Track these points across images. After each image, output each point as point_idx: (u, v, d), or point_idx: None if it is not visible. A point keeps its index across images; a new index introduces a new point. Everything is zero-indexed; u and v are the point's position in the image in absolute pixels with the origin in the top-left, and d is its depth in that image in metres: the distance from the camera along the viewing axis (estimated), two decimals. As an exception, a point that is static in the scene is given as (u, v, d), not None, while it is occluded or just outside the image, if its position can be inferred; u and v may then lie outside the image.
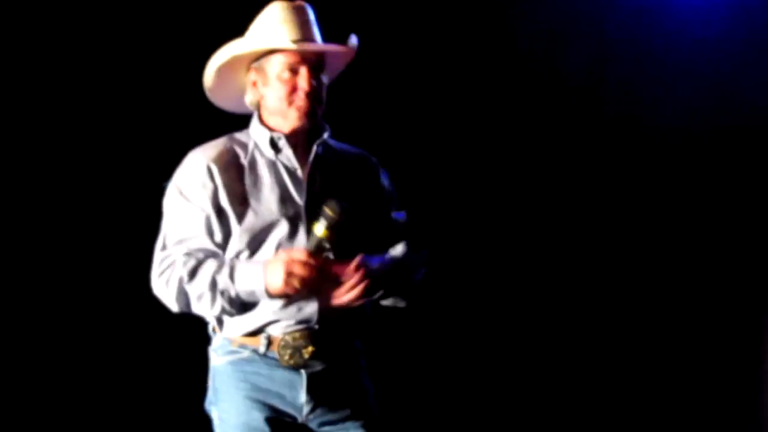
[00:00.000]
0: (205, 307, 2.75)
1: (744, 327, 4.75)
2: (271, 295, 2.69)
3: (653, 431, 4.77)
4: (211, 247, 2.79)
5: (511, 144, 4.83)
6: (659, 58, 4.75)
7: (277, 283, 2.66)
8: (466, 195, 4.81)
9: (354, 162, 2.97)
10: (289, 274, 2.66)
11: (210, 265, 2.74)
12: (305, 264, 2.65)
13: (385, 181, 3.01)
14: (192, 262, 2.75)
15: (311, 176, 2.87)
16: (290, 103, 2.85)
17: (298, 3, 2.91)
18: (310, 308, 2.80)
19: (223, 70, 2.91)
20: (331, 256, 2.73)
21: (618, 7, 4.74)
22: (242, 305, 2.75)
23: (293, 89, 2.84)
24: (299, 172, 2.87)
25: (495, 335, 4.80)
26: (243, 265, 2.73)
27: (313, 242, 2.69)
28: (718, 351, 4.76)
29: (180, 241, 2.81)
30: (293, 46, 2.80)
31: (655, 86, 4.77)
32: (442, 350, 4.79)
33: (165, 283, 2.77)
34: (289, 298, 2.72)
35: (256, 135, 2.92)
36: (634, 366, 4.80)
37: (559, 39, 4.76)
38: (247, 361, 2.83)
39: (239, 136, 2.95)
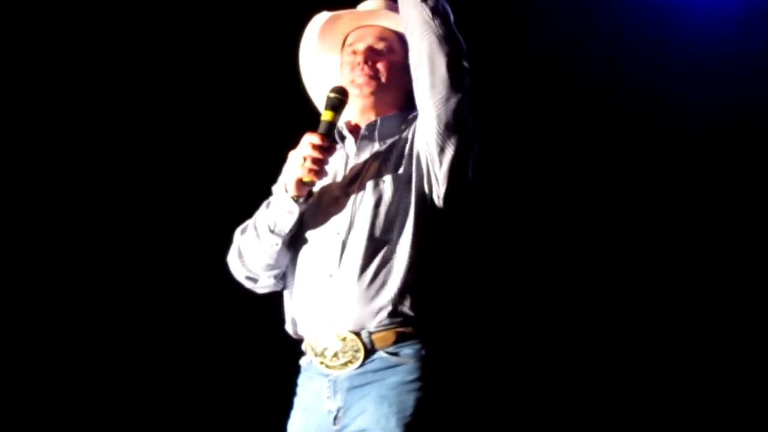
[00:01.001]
0: (256, 252, 2.78)
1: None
2: (293, 191, 2.71)
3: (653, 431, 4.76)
4: None
5: (523, 143, 4.81)
6: (673, 56, 4.71)
7: (293, 170, 2.70)
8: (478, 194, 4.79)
9: (405, 133, 2.86)
10: (301, 159, 2.69)
11: (258, 214, 2.82)
12: (313, 144, 2.69)
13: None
14: (247, 222, 2.85)
15: (360, 162, 2.83)
16: (351, 81, 2.85)
17: None
18: (317, 293, 2.73)
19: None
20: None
21: (632, 5, 4.73)
22: (289, 240, 2.76)
23: (352, 67, 2.86)
24: (351, 159, 2.86)
25: (494, 335, 4.80)
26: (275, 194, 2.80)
27: (322, 127, 2.74)
28: (727, 351, 4.77)
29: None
30: (326, 15, 2.86)
31: (669, 84, 4.73)
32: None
33: (230, 259, 2.87)
34: (310, 189, 2.73)
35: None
36: (634, 366, 4.80)
37: (573, 37, 4.71)
38: (303, 370, 2.82)
39: None
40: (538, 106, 4.81)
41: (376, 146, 2.83)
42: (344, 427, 2.67)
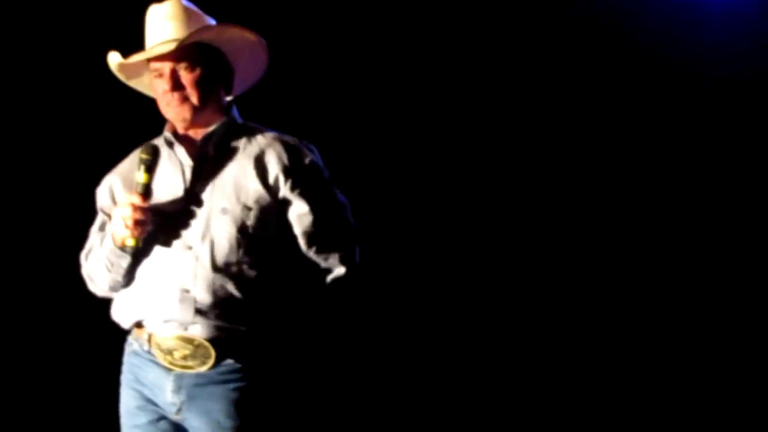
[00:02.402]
0: (101, 282, 2.95)
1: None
2: (119, 247, 2.85)
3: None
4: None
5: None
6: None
7: (116, 229, 2.82)
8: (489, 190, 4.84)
9: (259, 151, 2.95)
10: (120, 218, 2.80)
11: (95, 242, 2.97)
12: (128, 204, 2.79)
13: (289, 176, 2.92)
14: (87, 247, 3.00)
15: (197, 170, 2.92)
16: (166, 105, 2.92)
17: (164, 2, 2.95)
18: (174, 306, 2.84)
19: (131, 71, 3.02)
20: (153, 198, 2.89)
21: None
22: (127, 273, 2.90)
23: (163, 93, 2.91)
24: (187, 168, 2.93)
25: (493, 335, 4.80)
26: (108, 230, 2.92)
27: (139, 188, 2.84)
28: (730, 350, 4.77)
29: (90, 234, 3.03)
30: (121, 60, 2.91)
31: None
32: (440, 350, 4.79)
33: (82, 273, 3.02)
34: (138, 247, 2.84)
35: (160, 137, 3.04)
36: (635, 366, 4.79)
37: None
38: (135, 353, 2.95)
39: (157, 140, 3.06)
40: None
41: (213, 156, 2.93)
42: (185, 419, 2.87)
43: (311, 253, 2.91)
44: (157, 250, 2.88)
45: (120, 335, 3.05)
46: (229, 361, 2.84)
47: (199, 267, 2.83)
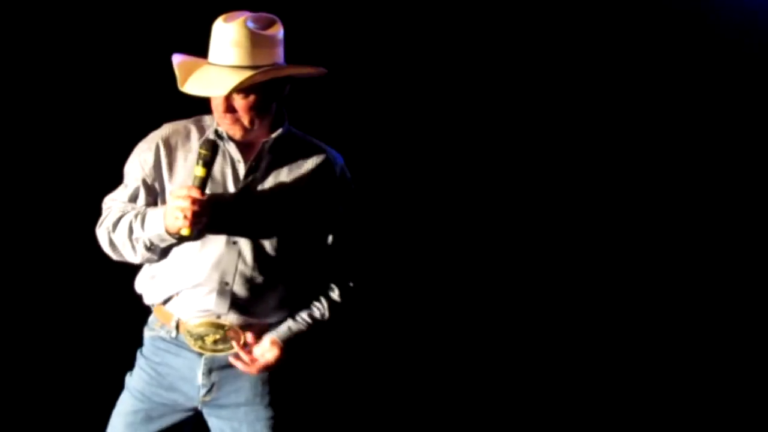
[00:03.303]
0: (129, 255, 3.01)
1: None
2: (172, 234, 2.90)
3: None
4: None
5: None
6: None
7: (169, 219, 2.87)
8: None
9: (308, 161, 3.07)
10: (178, 209, 2.84)
11: (129, 215, 2.99)
12: (187, 197, 2.83)
13: (335, 188, 3.10)
14: (116, 214, 3.01)
15: (252, 168, 3.01)
16: (221, 121, 2.99)
17: (228, 17, 2.95)
18: (211, 297, 2.99)
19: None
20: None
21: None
22: (162, 250, 3.00)
23: (215, 107, 2.97)
24: (241, 165, 3.01)
25: (493, 335, 4.82)
26: (151, 211, 2.96)
27: (197, 181, 2.90)
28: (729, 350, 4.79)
29: (113, 199, 3.07)
30: (186, 90, 2.90)
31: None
32: (438, 350, 4.82)
33: (99, 234, 3.05)
34: (191, 237, 2.92)
35: (213, 122, 3.07)
36: (635, 366, 4.82)
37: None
38: (161, 338, 3.08)
39: (207, 118, 3.09)
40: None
41: (270, 161, 3.02)
42: (215, 399, 3.04)
43: (329, 262, 3.11)
44: (202, 238, 2.99)
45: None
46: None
47: (241, 262, 2.97)
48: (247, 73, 2.83)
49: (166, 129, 3.05)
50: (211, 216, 2.91)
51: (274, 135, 2.99)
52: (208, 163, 2.90)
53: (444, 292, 4.79)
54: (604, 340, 4.80)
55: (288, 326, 3.03)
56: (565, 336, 4.83)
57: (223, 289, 2.97)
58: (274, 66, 2.90)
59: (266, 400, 3.06)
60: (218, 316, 2.98)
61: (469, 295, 4.82)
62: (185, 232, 2.88)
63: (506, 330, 4.82)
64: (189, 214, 2.83)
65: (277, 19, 2.97)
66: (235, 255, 2.97)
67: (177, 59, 2.92)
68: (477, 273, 4.81)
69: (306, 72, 2.96)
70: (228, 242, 2.96)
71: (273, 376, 3.05)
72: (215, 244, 2.98)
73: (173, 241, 2.93)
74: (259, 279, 2.98)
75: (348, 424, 4.62)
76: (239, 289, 2.98)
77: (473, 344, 4.82)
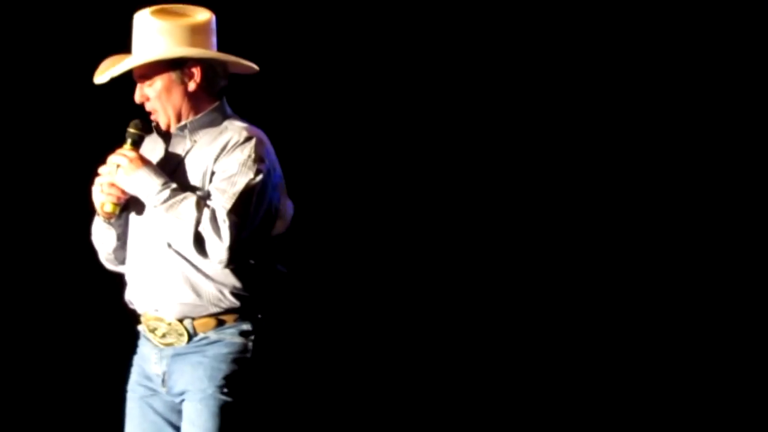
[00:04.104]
0: (97, 242, 3.19)
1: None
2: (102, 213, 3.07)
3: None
4: None
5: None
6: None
7: (96, 195, 3.03)
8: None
9: (208, 141, 3.07)
10: (99, 184, 3.01)
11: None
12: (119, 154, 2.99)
13: (222, 159, 3.03)
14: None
15: (169, 159, 3.08)
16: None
17: (145, 11, 3.06)
18: (148, 292, 3.05)
19: None
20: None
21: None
22: (110, 246, 3.15)
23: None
24: (159, 151, 3.10)
25: (492, 335, 4.84)
26: None
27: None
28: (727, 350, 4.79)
29: None
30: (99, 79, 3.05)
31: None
32: (437, 350, 4.84)
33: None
34: (114, 214, 3.04)
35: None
36: (634, 366, 4.83)
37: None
38: (141, 332, 3.15)
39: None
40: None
41: (188, 143, 3.06)
42: (170, 388, 3.05)
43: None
44: (133, 234, 3.08)
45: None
46: (202, 334, 3.01)
47: (171, 254, 3.00)
48: (127, 63, 3.00)
49: None
50: (135, 206, 3.01)
51: (183, 122, 3.05)
52: (137, 143, 3.03)
53: (442, 292, 4.84)
54: (605, 340, 4.83)
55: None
56: (565, 336, 4.85)
57: (154, 279, 3.03)
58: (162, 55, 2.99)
59: (206, 383, 3.00)
60: (156, 309, 3.03)
61: (468, 295, 4.85)
62: (108, 208, 3.01)
63: (506, 330, 4.84)
64: (106, 187, 2.97)
65: (186, 8, 3.08)
66: (164, 245, 3.00)
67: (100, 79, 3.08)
68: (476, 272, 4.85)
69: (203, 56, 3.02)
70: (154, 233, 3.01)
71: (220, 361, 3.01)
72: (143, 236, 3.04)
73: (109, 229, 3.07)
74: (187, 266, 2.99)
75: (339, 422, 4.64)
76: (169, 278, 3.01)
77: (470, 343, 4.85)
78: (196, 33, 3.04)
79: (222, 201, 2.92)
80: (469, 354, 4.85)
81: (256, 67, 3.13)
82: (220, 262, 2.92)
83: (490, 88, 4.81)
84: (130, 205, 3.07)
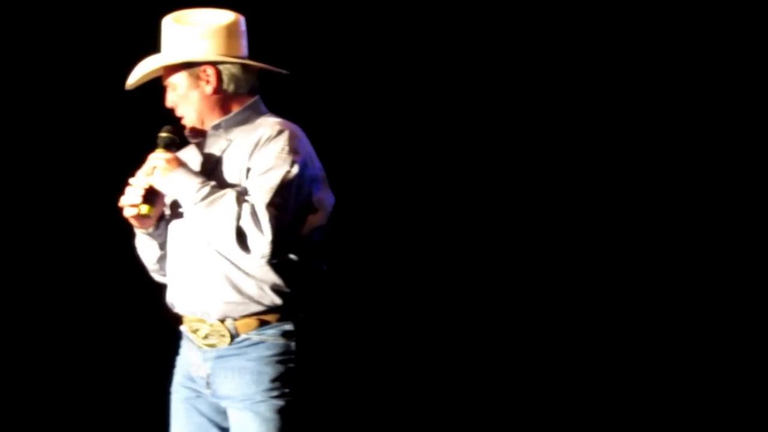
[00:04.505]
0: (140, 253, 3.24)
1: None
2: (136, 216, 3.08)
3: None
4: None
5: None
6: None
7: (130, 200, 3.03)
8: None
9: (243, 139, 3.06)
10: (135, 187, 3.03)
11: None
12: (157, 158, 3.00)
13: (256, 154, 3.02)
14: None
15: (207, 159, 3.09)
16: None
17: (170, 16, 3.08)
18: (189, 293, 3.05)
19: None
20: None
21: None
22: (152, 257, 3.21)
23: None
24: (193, 154, 3.13)
25: (493, 335, 4.83)
26: None
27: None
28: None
29: None
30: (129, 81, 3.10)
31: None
32: (439, 350, 4.84)
33: None
34: (149, 215, 3.04)
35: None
36: (634, 366, 4.81)
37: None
38: (184, 333, 3.15)
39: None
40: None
41: (224, 142, 3.07)
42: (215, 392, 3.04)
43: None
44: (172, 237, 3.08)
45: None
46: (244, 335, 3.00)
47: (211, 253, 2.99)
48: (141, 69, 3.05)
49: None
50: (173, 208, 3.04)
51: (218, 121, 3.06)
52: (169, 146, 3.04)
53: (442, 292, 4.83)
54: (605, 340, 4.81)
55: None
56: (565, 336, 4.83)
57: (198, 280, 3.02)
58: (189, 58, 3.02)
59: (252, 389, 2.99)
60: (200, 310, 3.02)
61: (468, 295, 4.84)
62: (144, 210, 3.00)
63: (506, 330, 4.83)
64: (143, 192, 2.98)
65: (211, 13, 3.09)
66: (204, 245, 2.99)
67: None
68: (475, 272, 4.84)
69: (224, 61, 3.03)
70: (194, 233, 3.01)
71: (271, 369, 3.00)
72: (183, 238, 3.04)
73: (149, 240, 3.11)
74: (230, 267, 2.98)
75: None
76: (212, 279, 3.00)
77: (470, 344, 4.84)
78: (215, 36, 3.03)
79: (260, 195, 2.91)
80: (466, 354, 4.85)
81: (278, 70, 3.12)
82: (262, 257, 2.90)
83: (489, 87, 4.83)
84: (168, 210, 3.09)
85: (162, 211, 3.08)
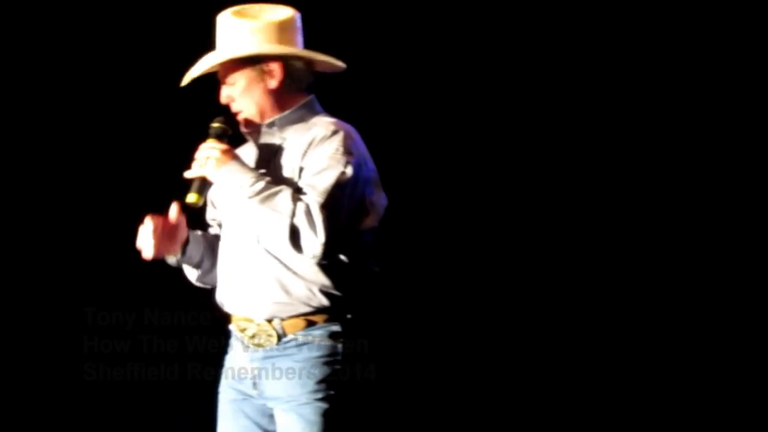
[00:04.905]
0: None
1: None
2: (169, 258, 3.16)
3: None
4: None
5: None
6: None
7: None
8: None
9: (297, 138, 3.03)
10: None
11: None
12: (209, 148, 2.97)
13: (310, 154, 2.99)
14: None
15: (259, 156, 3.08)
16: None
17: (227, 11, 3.06)
18: (239, 292, 3.03)
19: None
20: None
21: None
22: (200, 266, 3.21)
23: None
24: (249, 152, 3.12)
25: (494, 335, 4.83)
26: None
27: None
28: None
29: None
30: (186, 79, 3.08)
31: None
32: (440, 350, 4.83)
33: None
34: (198, 205, 3.04)
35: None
36: (635, 366, 4.80)
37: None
38: (232, 332, 3.13)
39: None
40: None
41: (277, 140, 3.04)
42: (261, 392, 3.02)
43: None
44: (223, 235, 3.07)
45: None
46: (291, 335, 2.96)
47: (261, 253, 2.96)
48: (204, 63, 3.02)
49: None
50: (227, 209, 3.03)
51: (272, 118, 3.03)
52: (220, 136, 2.99)
53: (443, 292, 4.82)
54: (605, 340, 4.81)
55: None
56: (565, 336, 4.83)
57: (247, 280, 2.99)
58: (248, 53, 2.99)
59: (299, 391, 2.96)
60: (247, 309, 3.00)
61: (470, 296, 4.83)
62: (192, 198, 2.98)
63: (507, 330, 4.82)
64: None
65: (267, 8, 3.06)
66: (254, 245, 2.97)
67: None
68: (478, 273, 4.83)
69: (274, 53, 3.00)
70: (245, 234, 2.98)
71: (317, 371, 2.96)
72: (234, 238, 3.02)
73: (170, 262, 3.14)
74: (280, 268, 2.95)
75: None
76: (262, 279, 2.97)
77: (474, 344, 4.83)
78: (276, 31, 3.00)
79: (314, 196, 2.86)
80: (470, 355, 4.83)
81: (341, 63, 3.10)
82: (314, 257, 2.87)
83: (492, 87, 4.81)
84: (214, 208, 3.11)
85: (187, 236, 3.09)
